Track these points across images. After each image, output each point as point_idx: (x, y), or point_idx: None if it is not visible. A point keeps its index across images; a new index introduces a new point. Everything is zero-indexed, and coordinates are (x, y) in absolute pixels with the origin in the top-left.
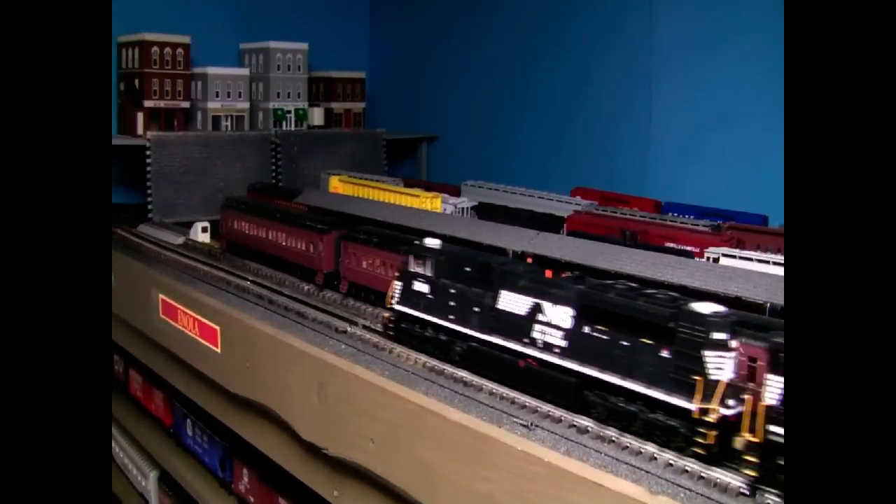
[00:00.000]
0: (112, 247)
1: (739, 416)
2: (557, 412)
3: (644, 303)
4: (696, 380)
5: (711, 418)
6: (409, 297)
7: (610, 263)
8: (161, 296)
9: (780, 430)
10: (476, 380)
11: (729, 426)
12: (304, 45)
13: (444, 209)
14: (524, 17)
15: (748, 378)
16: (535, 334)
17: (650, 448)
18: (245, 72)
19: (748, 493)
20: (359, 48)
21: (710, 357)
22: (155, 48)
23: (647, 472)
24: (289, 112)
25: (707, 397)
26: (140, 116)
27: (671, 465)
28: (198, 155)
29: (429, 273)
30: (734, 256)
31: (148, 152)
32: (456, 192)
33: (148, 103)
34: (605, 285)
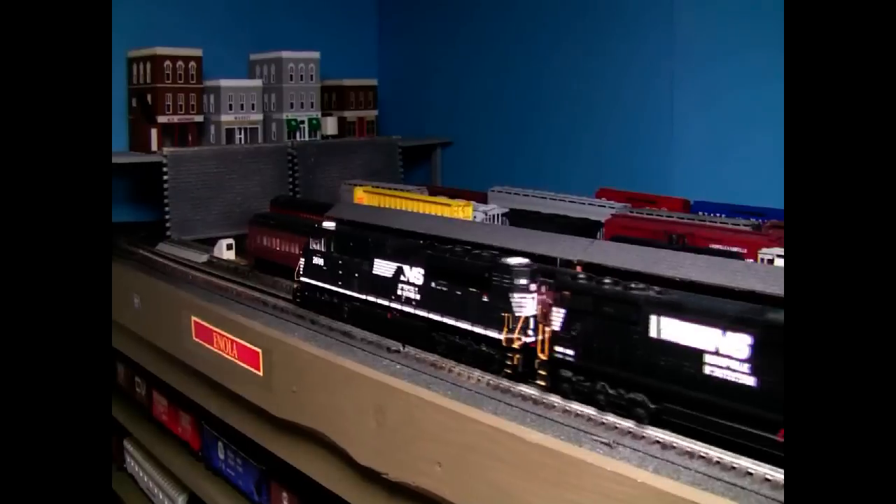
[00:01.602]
0: (135, 266)
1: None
2: (638, 429)
3: (469, 260)
4: (504, 316)
5: (516, 345)
6: (310, 270)
7: (675, 271)
8: (193, 318)
9: (563, 349)
10: (547, 397)
11: (530, 351)
12: (316, 54)
13: (475, 217)
14: (538, 15)
15: (542, 313)
16: (399, 291)
17: (743, 462)
18: (258, 83)
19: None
20: (368, 54)
21: (515, 298)
22: (167, 62)
23: (743, 488)
24: (302, 122)
25: (512, 329)
26: (154, 132)
27: (768, 480)
28: (214, 169)
29: (323, 249)
30: None
31: (164, 169)
32: (482, 199)
33: (161, 118)
34: (445, 249)
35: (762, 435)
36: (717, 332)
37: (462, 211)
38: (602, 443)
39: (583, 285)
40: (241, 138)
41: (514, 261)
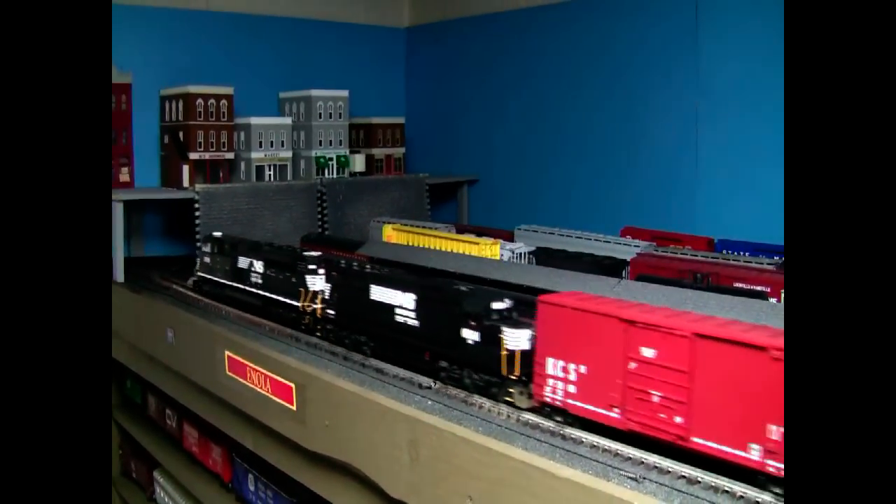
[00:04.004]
0: (168, 301)
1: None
2: (664, 463)
3: (285, 254)
4: (301, 290)
5: (308, 310)
6: (203, 266)
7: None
8: (227, 353)
9: (329, 311)
10: (574, 433)
11: (315, 314)
12: (345, 92)
13: (502, 255)
14: (565, 57)
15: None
16: (251, 278)
17: (766, 497)
18: (287, 121)
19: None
20: (396, 93)
21: (308, 278)
22: (199, 100)
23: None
24: (331, 159)
25: (306, 299)
26: (186, 169)
27: None
28: (245, 206)
29: (210, 251)
30: None
31: (196, 205)
32: (509, 237)
33: (193, 155)
34: (277, 246)
35: (420, 357)
36: (399, 293)
37: (490, 249)
38: (629, 477)
39: (339, 266)
40: (270, 175)
41: (311, 254)
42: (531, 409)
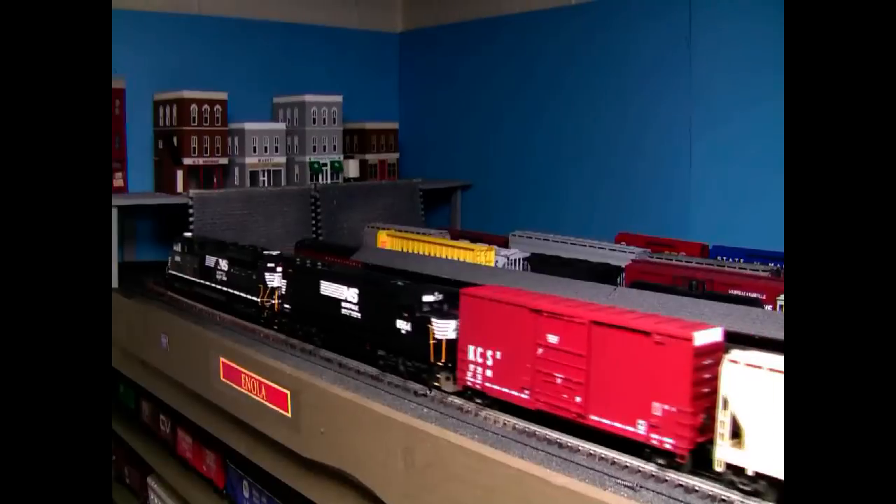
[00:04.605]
0: (162, 306)
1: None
2: (661, 473)
3: (248, 253)
4: (260, 286)
5: (266, 305)
6: (175, 265)
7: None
8: (222, 359)
9: (286, 305)
10: (571, 441)
11: (273, 308)
12: (339, 97)
13: (497, 261)
14: (559, 62)
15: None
16: (217, 276)
17: None
18: (281, 126)
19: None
20: (389, 97)
21: (266, 275)
22: (193, 105)
23: None
24: (325, 165)
25: (265, 295)
26: (179, 174)
27: None
28: (239, 211)
29: (181, 250)
30: None
31: (190, 210)
32: (503, 243)
33: (187, 160)
34: (240, 245)
35: (362, 346)
36: (345, 288)
37: (484, 256)
38: (626, 486)
39: (295, 264)
40: (264, 180)
41: (270, 253)
42: (456, 393)
